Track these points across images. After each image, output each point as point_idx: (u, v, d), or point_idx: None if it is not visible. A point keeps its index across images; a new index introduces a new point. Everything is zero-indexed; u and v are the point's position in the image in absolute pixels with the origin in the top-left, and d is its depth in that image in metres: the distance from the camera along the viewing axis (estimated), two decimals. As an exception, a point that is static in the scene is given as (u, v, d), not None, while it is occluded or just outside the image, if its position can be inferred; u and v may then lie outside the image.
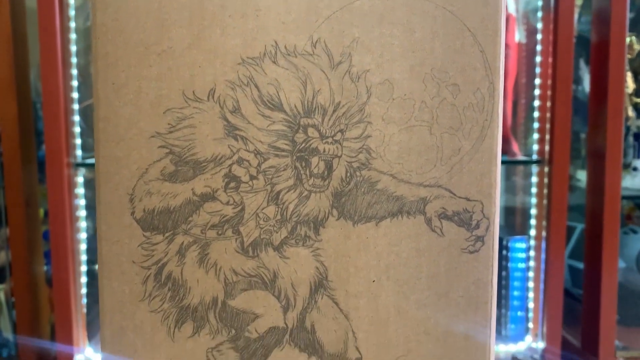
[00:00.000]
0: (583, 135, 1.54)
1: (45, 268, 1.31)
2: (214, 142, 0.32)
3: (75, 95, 1.15)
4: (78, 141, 1.17)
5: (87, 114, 1.23)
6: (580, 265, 1.36)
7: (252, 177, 0.33)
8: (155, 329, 0.33)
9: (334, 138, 0.33)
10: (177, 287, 0.33)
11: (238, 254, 0.33)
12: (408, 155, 0.33)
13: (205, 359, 0.33)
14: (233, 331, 0.33)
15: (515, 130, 1.33)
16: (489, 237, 0.34)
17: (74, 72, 1.15)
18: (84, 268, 1.20)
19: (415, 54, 0.32)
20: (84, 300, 1.21)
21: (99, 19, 0.31)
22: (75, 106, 1.16)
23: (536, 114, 1.21)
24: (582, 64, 1.49)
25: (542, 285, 1.25)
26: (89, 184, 1.21)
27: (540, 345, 1.24)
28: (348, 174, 0.33)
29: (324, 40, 0.32)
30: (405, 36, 0.32)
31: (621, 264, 1.35)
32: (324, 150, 0.33)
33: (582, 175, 1.43)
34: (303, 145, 0.33)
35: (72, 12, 1.13)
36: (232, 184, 0.33)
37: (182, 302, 0.33)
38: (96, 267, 1.36)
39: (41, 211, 1.36)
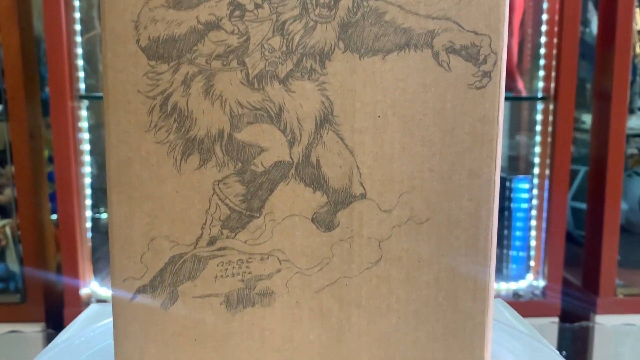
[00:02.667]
0: (589, 86, 1.52)
1: (50, 207, 1.32)
2: (219, -33, 0.32)
3: (77, 27, 1.14)
4: (81, 74, 1.16)
5: (90, 49, 1.22)
6: (583, 206, 1.36)
7: (257, 6, 0.32)
8: (161, 160, 0.33)
9: (341, -35, 0.32)
10: (183, 118, 0.33)
11: (243, 85, 0.33)
12: (416, -15, 0.33)
13: (212, 191, 0.34)
14: (239, 164, 0.34)
15: (521, 68, 1.32)
16: (496, 73, 0.33)
17: (77, 3, 1.13)
18: (88, 202, 1.21)
19: None
20: (89, 234, 1.22)
21: None
22: (79, 38, 1.15)
23: (542, 51, 1.20)
24: (590, 6, 1.47)
25: (544, 225, 1.25)
26: (92, 125, 1.21)
27: (541, 283, 1.25)
28: (355, 4, 0.33)
29: None
30: None
31: (623, 206, 1.35)
32: (331, -21, 0.32)
33: (587, 119, 1.42)
34: (309, -28, 0.32)
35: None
36: (237, 12, 0.32)
37: (188, 134, 0.33)
38: (102, 215, 1.36)
39: (46, 153, 1.36)
